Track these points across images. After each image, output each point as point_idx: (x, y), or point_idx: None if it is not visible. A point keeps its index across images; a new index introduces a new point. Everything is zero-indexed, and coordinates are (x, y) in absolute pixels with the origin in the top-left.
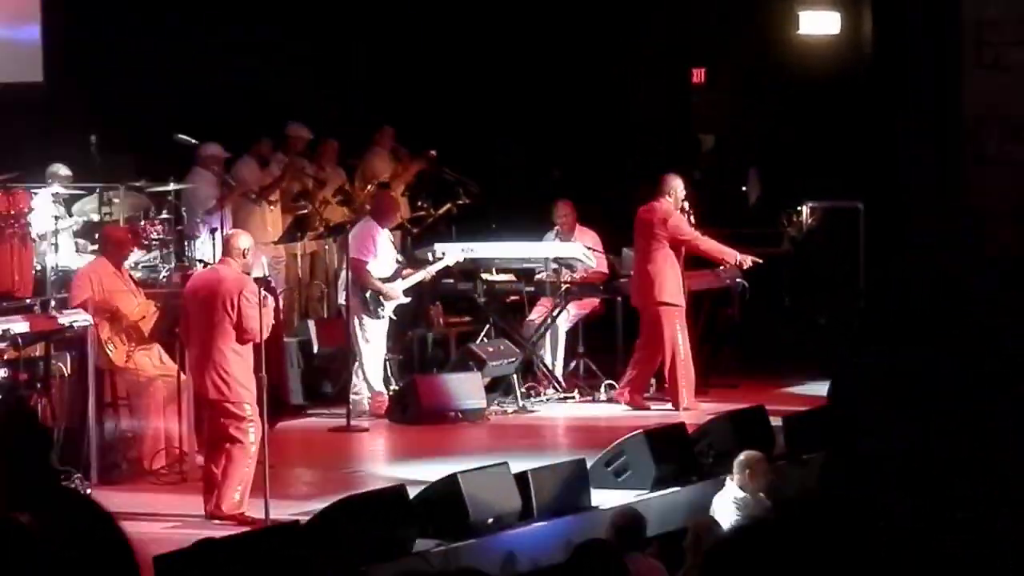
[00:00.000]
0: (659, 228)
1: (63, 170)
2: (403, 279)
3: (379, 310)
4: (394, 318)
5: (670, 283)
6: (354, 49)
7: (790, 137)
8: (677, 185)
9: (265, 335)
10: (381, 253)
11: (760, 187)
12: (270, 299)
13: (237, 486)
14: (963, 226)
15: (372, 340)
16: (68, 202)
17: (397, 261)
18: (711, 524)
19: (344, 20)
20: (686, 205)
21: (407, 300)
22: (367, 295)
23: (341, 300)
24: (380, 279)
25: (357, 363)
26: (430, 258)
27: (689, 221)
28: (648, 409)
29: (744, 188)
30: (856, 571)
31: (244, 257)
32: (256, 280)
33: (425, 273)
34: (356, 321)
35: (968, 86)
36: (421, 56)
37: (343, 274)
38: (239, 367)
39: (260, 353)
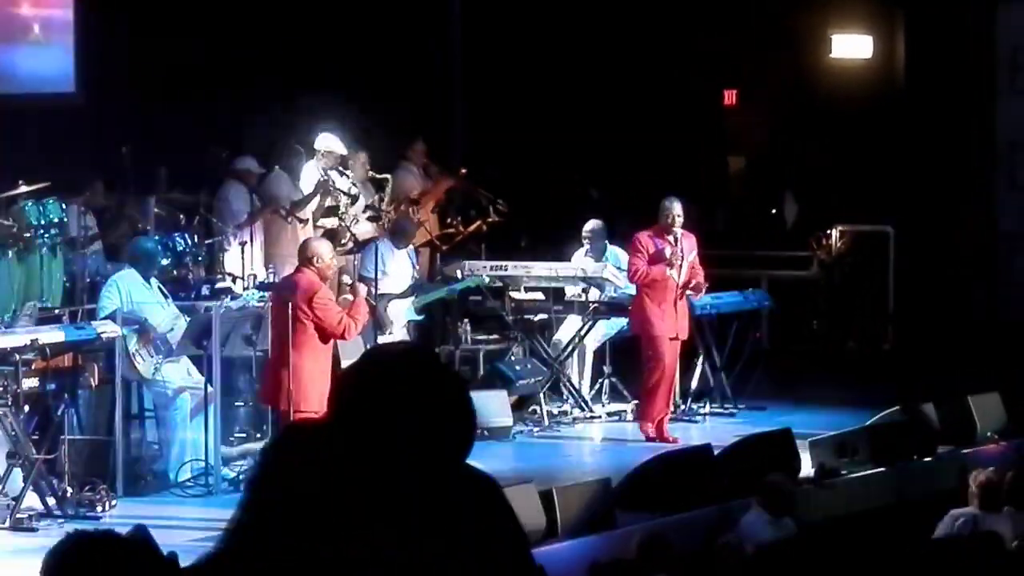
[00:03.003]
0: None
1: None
2: (415, 297)
3: (386, 326)
4: (418, 317)
5: (639, 312)
6: (386, 64)
7: (821, 160)
8: (662, 207)
9: (358, 331)
10: (393, 271)
11: (797, 208)
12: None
13: None
14: (995, 252)
15: None
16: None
17: (413, 279)
18: (739, 543)
19: (377, 34)
20: (677, 233)
21: (420, 318)
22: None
23: None
24: (390, 295)
25: None
26: (459, 275)
27: (678, 246)
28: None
29: (774, 211)
30: None
31: (316, 263)
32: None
33: (438, 294)
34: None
35: (1002, 111)
36: (455, 73)
37: None
38: (310, 376)
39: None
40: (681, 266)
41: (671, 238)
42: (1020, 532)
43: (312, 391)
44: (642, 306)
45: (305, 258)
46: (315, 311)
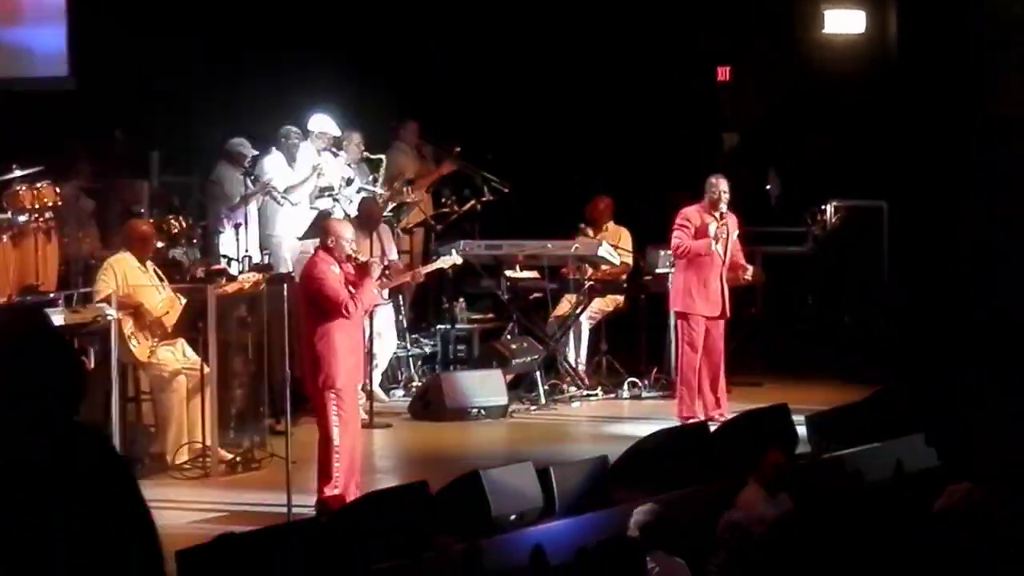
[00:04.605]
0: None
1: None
2: (386, 279)
3: None
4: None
5: (679, 289)
6: (382, 43)
7: (814, 136)
8: (709, 184)
9: (360, 310)
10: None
11: (780, 185)
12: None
13: (334, 475)
14: (990, 227)
15: (382, 334)
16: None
17: (389, 262)
18: (745, 519)
19: (371, 14)
20: (723, 209)
21: (386, 302)
22: None
23: None
24: None
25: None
26: (453, 254)
27: (723, 222)
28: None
29: (768, 187)
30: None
31: (331, 243)
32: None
33: (409, 276)
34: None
35: (995, 86)
36: (452, 52)
37: None
38: (336, 351)
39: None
40: (726, 243)
41: (717, 214)
42: None
43: (340, 366)
44: (682, 283)
45: (323, 239)
46: (310, 286)
